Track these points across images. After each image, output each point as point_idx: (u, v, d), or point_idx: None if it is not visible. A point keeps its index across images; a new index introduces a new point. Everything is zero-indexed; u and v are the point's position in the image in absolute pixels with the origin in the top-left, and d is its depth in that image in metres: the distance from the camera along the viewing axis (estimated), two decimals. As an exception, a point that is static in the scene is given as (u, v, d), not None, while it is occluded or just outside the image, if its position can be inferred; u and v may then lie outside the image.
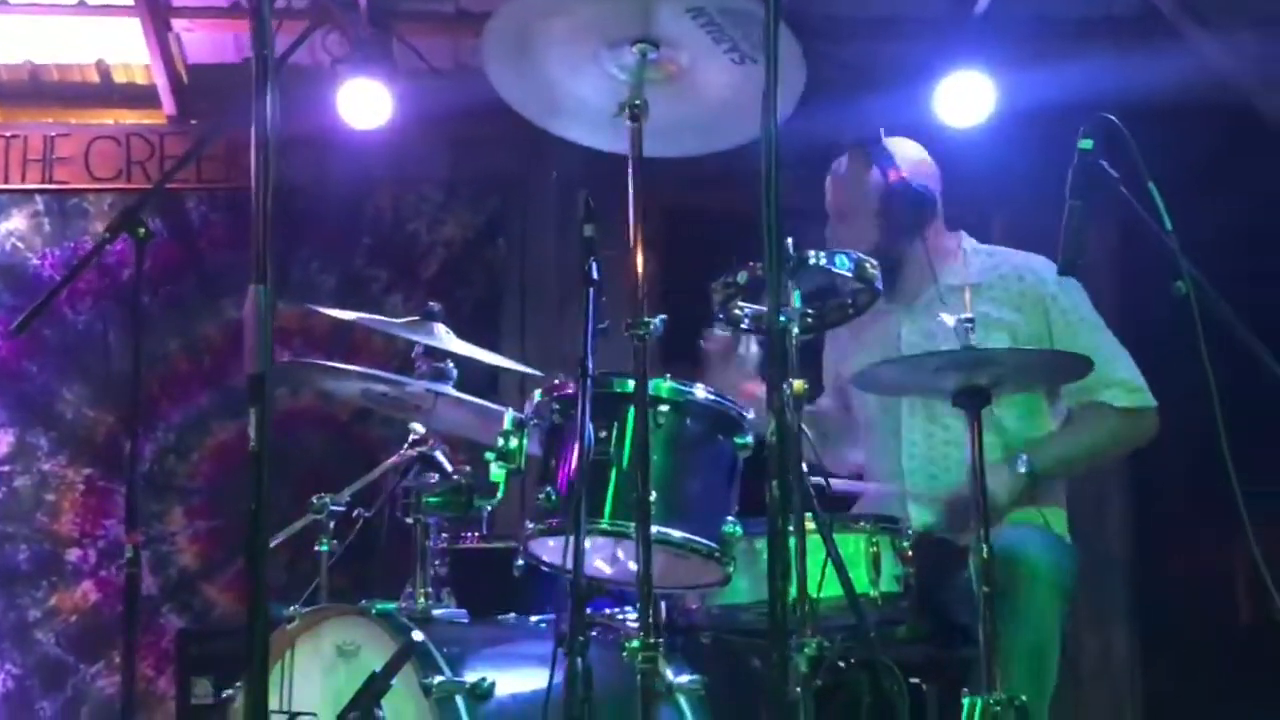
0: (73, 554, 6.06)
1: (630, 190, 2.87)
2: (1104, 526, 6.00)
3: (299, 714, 3.14)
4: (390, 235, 6.37)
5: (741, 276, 3.01)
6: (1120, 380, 3.76)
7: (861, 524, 3.29)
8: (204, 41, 6.11)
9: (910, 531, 3.33)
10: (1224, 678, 5.71)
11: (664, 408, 2.96)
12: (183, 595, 6.06)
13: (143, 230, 3.66)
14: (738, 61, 2.92)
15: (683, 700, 3.23)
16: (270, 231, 2.08)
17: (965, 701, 3.05)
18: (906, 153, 3.95)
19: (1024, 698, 3.05)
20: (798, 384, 2.80)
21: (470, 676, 3.02)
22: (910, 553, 3.28)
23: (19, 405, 6.12)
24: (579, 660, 2.60)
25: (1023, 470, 3.59)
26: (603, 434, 2.92)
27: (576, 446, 2.84)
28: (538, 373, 3.48)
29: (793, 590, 2.71)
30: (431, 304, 3.81)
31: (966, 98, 5.47)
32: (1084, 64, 5.18)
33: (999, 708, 3.01)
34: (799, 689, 2.70)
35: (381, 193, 6.39)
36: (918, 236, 3.88)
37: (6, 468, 6.08)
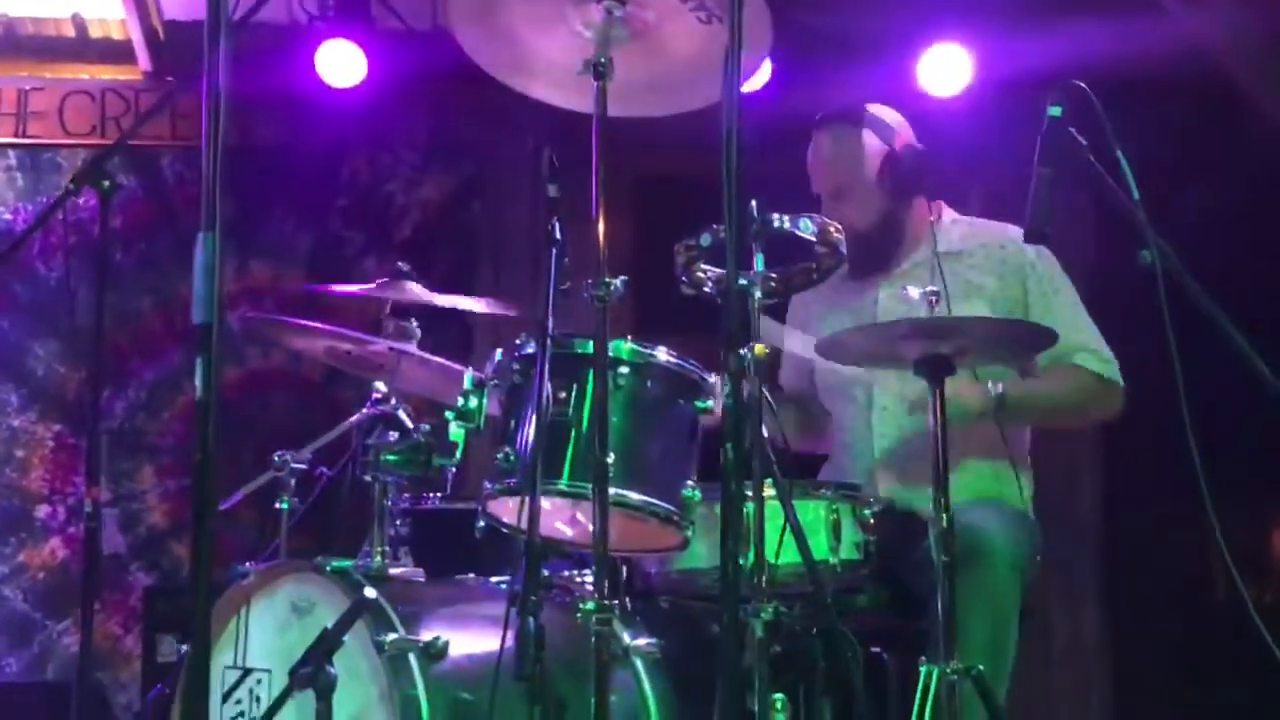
0: (42, 510, 6.03)
1: (594, 149, 2.84)
2: (1075, 505, 5.98)
3: (252, 670, 3.12)
4: (366, 197, 6.33)
5: (704, 239, 2.98)
6: (1093, 350, 3.76)
7: (822, 491, 3.28)
8: (180, -3, 6.05)
9: (874, 501, 3.32)
10: (1195, 657, 5.71)
11: (624, 369, 2.94)
12: (151, 554, 6.03)
13: (107, 183, 3.62)
14: (704, 21, 2.89)
15: (639, 663, 3.22)
16: (220, 178, 2.05)
17: (923, 670, 3.05)
18: (897, 118, 3.91)
19: (981, 667, 3.05)
20: (759, 348, 2.79)
21: (424, 635, 3.00)
22: (872, 521, 3.27)
23: (-11, 361, 6.08)
24: (530, 620, 2.58)
25: (994, 392, 3.53)
26: (562, 395, 2.91)
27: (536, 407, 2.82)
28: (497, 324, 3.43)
29: (750, 556, 2.70)
30: (400, 264, 3.79)
31: (944, 69, 5.46)
32: (1063, 35, 5.15)
33: (955, 676, 3.02)
34: (754, 654, 2.70)
35: (357, 154, 6.34)
36: (914, 202, 3.85)
37: (-25, 423, 6.06)
